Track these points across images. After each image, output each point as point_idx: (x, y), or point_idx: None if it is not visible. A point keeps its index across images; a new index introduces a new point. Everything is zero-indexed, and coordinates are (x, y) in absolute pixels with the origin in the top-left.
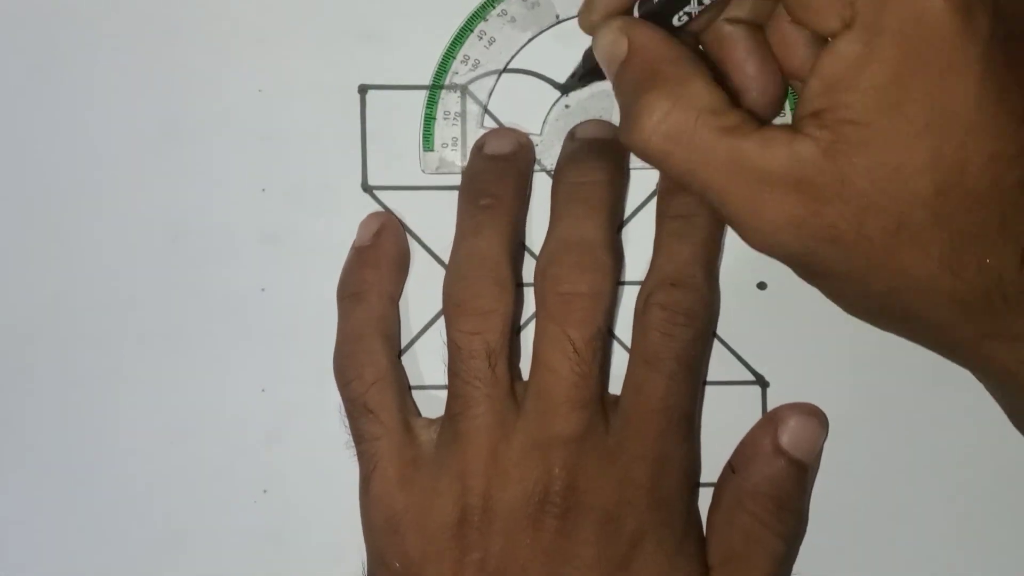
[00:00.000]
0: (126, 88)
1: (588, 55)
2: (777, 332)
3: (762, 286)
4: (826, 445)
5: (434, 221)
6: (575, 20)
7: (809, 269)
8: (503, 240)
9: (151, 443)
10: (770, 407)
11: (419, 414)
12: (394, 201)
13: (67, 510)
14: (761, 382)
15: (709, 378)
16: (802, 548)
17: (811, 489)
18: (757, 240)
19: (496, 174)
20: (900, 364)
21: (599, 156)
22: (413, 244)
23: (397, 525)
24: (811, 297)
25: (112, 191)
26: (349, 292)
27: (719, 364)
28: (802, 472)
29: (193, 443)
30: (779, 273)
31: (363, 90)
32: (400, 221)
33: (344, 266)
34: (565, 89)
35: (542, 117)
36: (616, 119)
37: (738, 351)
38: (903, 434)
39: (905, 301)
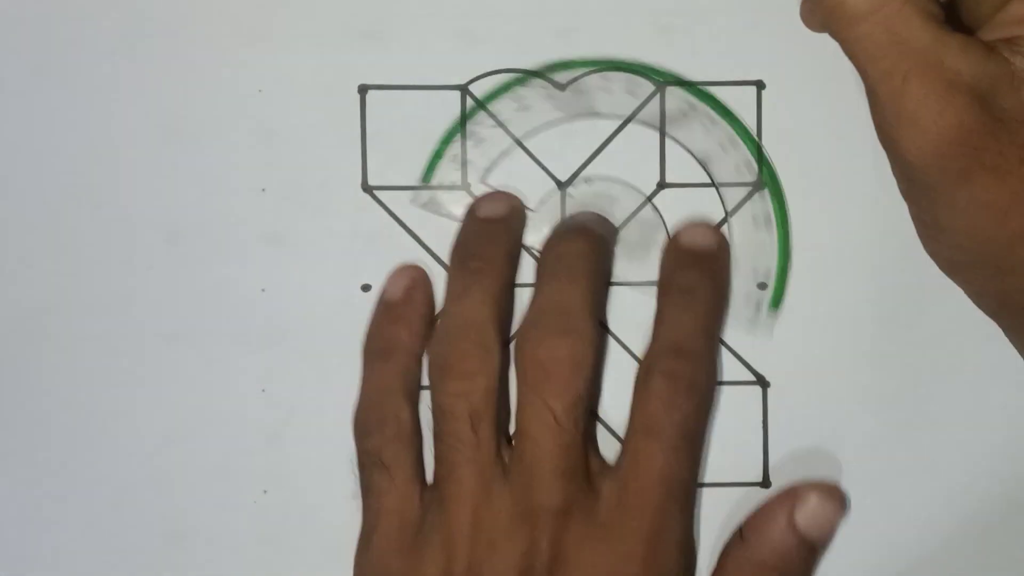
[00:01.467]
0: (125, 88)
1: None
2: (777, 332)
3: (762, 286)
4: (826, 445)
5: (434, 221)
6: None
7: (947, 196)
8: (491, 303)
9: (151, 443)
10: (770, 407)
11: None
12: (394, 201)
13: (67, 510)
14: (761, 382)
15: None
16: None
17: (816, 570)
18: (917, 144)
19: (487, 237)
20: (901, 364)
21: (585, 229)
22: (413, 245)
23: None
24: (811, 297)
25: (112, 191)
26: (378, 347)
27: (719, 364)
28: (812, 554)
29: (193, 443)
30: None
31: (363, 90)
32: (401, 221)
33: (373, 318)
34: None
35: (539, 116)
36: (616, 219)
37: (738, 351)
38: (904, 433)
39: None
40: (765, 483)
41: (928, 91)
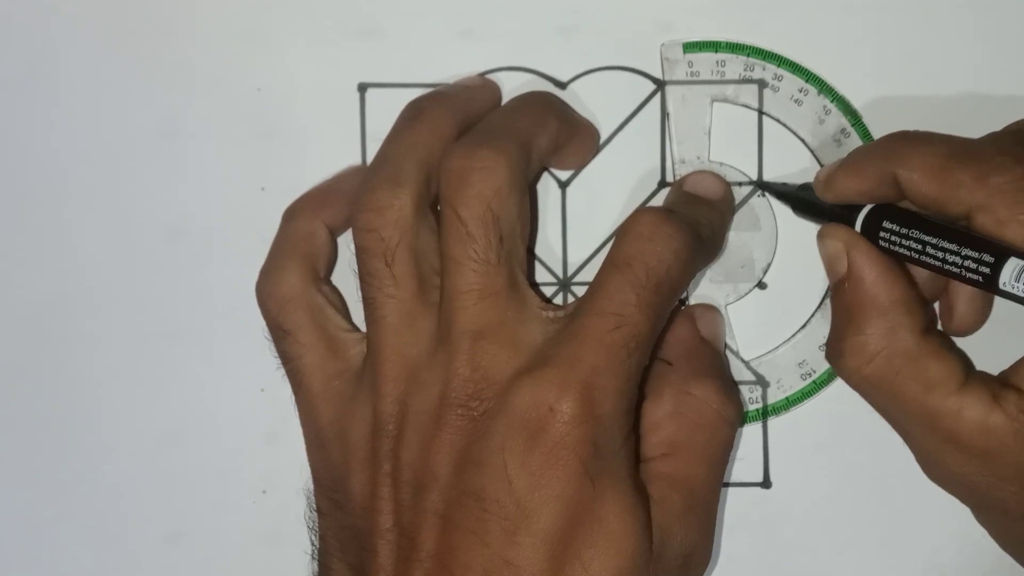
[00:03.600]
0: (125, 87)
1: (806, 190)
2: (777, 332)
3: (762, 286)
4: (827, 445)
5: None
6: None
7: (974, 509)
8: (415, 145)
9: (151, 443)
10: (770, 407)
11: (355, 328)
12: None
13: (66, 510)
14: (761, 382)
15: None
16: (801, 546)
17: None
18: (932, 478)
19: (435, 95)
20: None
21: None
22: None
23: (323, 439)
24: (811, 297)
25: (111, 190)
26: (285, 213)
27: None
28: (719, 355)
29: (193, 443)
30: (779, 273)
31: (363, 88)
32: None
33: None
34: (763, 186)
35: None
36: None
37: (738, 351)
38: None
39: None
40: (765, 483)
41: (929, 448)
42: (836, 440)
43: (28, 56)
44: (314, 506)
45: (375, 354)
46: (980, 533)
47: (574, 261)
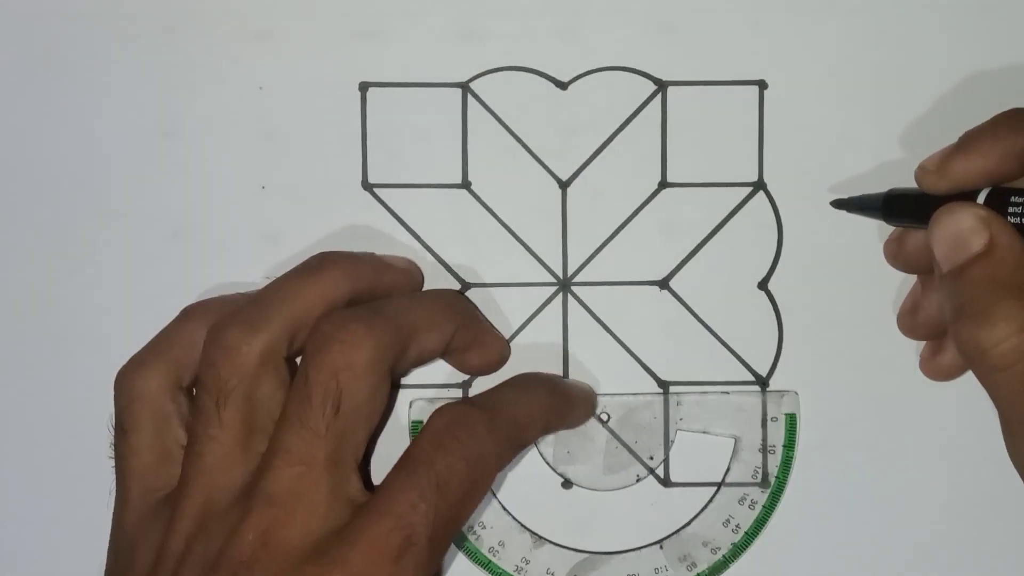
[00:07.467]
0: (126, 86)
1: (892, 201)
2: (777, 332)
3: (762, 286)
4: (826, 444)
5: (434, 219)
6: None
7: None
8: (291, 297)
9: None
10: (769, 407)
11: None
12: (394, 199)
13: (67, 510)
14: (761, 382)
15: (710, 378)
16: (800, 547)
17: None
18: None
19: (344, 255)
20: (899, 364)
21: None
22: (413, 242)
23: (116, 548)
24: (811, 297)
25: (112, 189)
26: (180, 311)
27: (719, 364)
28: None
29: None
30: (779, 273)
31: (363, 87)
32: (401, 219)
33: None
34: (841, 205)
35: (540, 115)
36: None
37: (738, 351)
38: (902, 434)
39: None
40: (764, 483)
41: None
42: (834, 441)
43: (29, 55)
44: None
45: (181, 488)
46: (977, 534)
47: (574, 261)
